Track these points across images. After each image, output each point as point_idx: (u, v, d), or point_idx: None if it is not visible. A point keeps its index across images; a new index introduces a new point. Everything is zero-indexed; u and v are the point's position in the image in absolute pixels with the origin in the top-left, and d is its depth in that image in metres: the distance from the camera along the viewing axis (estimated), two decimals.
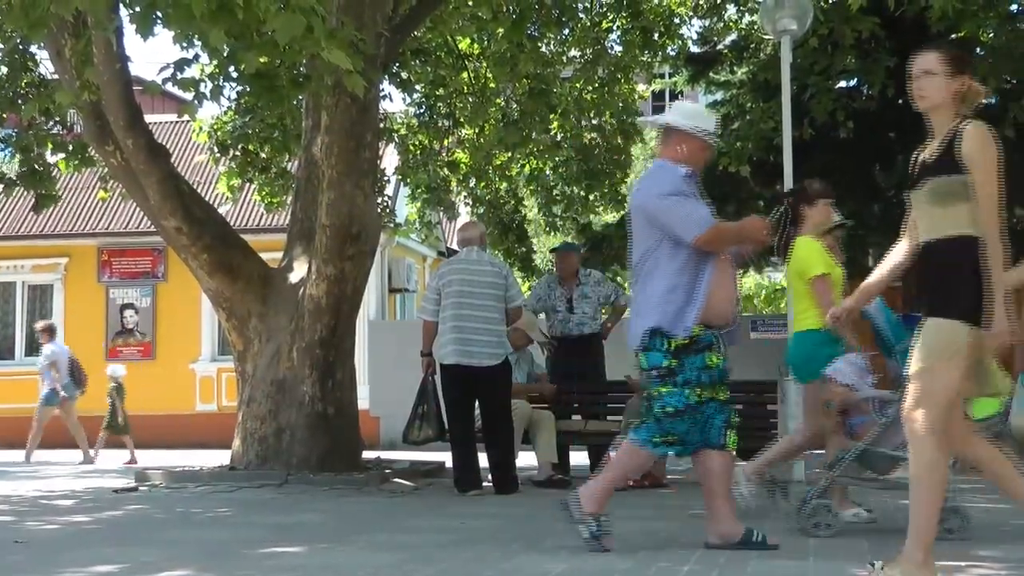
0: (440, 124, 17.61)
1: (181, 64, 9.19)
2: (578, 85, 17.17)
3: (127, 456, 16.71)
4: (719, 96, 17.47)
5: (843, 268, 7.82)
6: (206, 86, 10.05)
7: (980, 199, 4.88)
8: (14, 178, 14.45)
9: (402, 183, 19.19)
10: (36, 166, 14.32)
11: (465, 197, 19.22)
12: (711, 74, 17.21)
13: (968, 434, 5.23)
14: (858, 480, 7.13)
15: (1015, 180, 13.81)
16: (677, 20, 16.30)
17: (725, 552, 5.97)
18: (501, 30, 15.04)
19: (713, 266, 6.10)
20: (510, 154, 17.77)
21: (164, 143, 12.24)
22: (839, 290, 7.48)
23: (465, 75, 16.93)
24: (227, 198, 16.80)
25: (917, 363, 4.86)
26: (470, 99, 17.16)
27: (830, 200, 7.75)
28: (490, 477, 9.80)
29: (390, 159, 18.61)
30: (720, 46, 16.96)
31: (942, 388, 4.82)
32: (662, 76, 19.92)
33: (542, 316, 12.00)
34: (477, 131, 17.50)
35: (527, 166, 18.48)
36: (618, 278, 20.87)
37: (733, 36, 16.77)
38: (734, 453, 6.39)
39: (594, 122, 17.87)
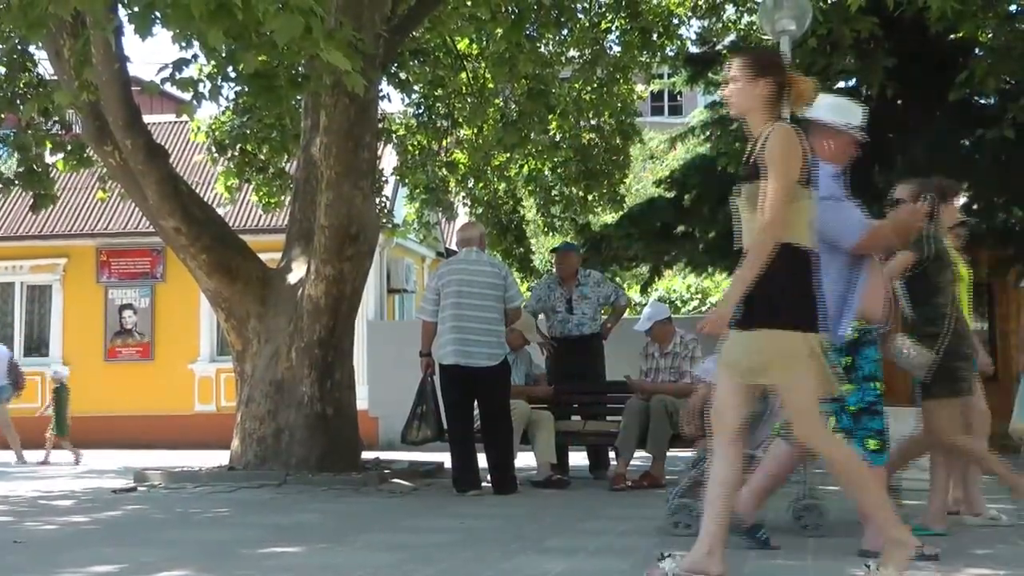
0: (439, 124, 17.61)
1: (180, 64, 9.20)
2: (577, 85, 17.18)
3: (71, 458, 16.64)
4: (718, 96, 17.44)
5: (968, 266, 7.65)
6: (204, 86, 10.06)
7: (766, 198, 4.87)
8: (12, 178, 14.44)
9: (400, 183, 19.19)
10: (35, 166, 14.31)
11: (464, 197, 19.22)
12: (710, 74, 17.20)
13: (739, 436, 5.08)
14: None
15: (1015, 181, 13.82)
16: (676, 20, 16.31)
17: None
18: (500, 30, 15.05)
19: (867, 268, 5.95)
20: (509, 154, 17.78)
21: (163, 143, 12.23)
22: (966, 288, 7.37)
23: (464, 75, 16.93)
24: (225, 199, 16.80)
25: (764, 375, 4.91)
26: (469, 99, 17.16)
27: (957, 196, 7.65)
28: (489, 477, 9.80)
29: (388, 159, 18.62)
30: (719, 46, 16.95)
31: (805, 397, 4.89)
32: (661, 76, 19.93)
33: (541, 317, 12.00)
34: (476, 131, 17.51)
35: (526, 166, 18.49)
36: (617, 278, 20.91)
37: (732, 36, 16.77)
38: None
39: (593, 122, 17.88)
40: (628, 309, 13.57)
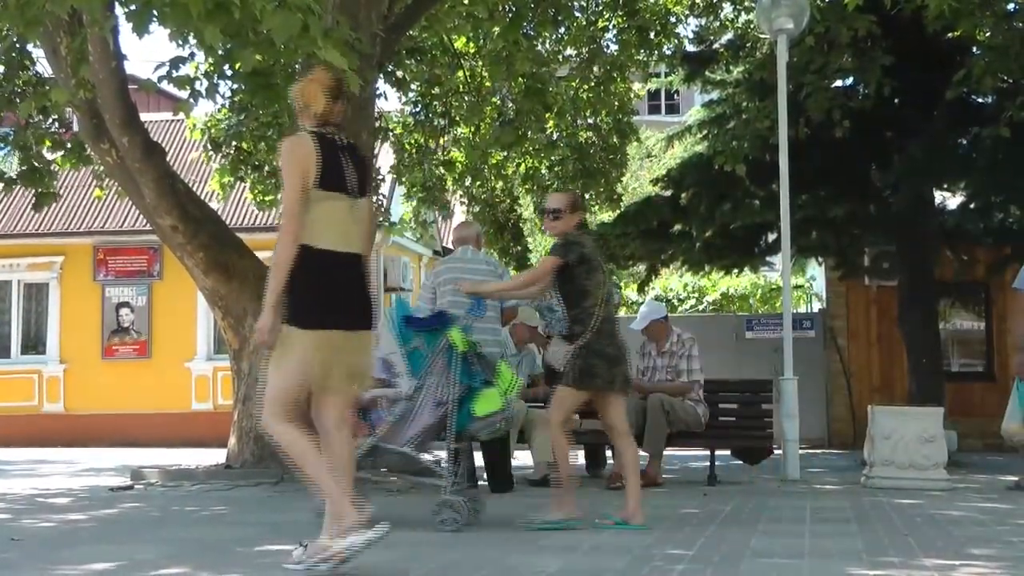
0: (436, 123, 17.61)
1: (176, 62, 9.20)
2: (574, 84, 17.18)
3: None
4: (715, 95, 17.45)
5: None
6: (201, 84, 10.05)
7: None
8: (14, 176, 14.42)
9: (397, 182, 19.18)
10: (35, 163, 14.30)
11: (461, 196, 19.22)
12: (707, 73, 17.19)
13: (334, 430, 5.46)
14: (374, 475, 7.53)
15: (1012, 180, 13.79)
16: (673, 19, 16.31)
17: (719, 551, 5.98)
18: (497, 29, 15.05)
19: None
20: (506, 153, 17.77)
21: (160, 141, 12.22)
22: None
23: (461, 74, 16.93)
24: (218, 196, 16.79)
25: (270, 364, 5.30)
26: (466, 98, 17.16)
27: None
28: (485, 476, 9.79)
29: (386, 158, 18.61)
30: (716, 45, 16.94)
31: (280, 386, 5.25)
32: (658, 75, 19.91)
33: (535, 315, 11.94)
34: (473, 130, 17.51)
35: (523, 165, 18.48)
36: (614, 277, 20.87)
37: (729, 35, 16.76)
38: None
39: (590, 121, 17.89)
40: (624, 307, 13.54)
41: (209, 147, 16.02)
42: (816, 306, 23.19)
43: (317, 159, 5.27)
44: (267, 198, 16.49)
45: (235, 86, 13.59)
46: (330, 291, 5.31)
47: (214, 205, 15.41)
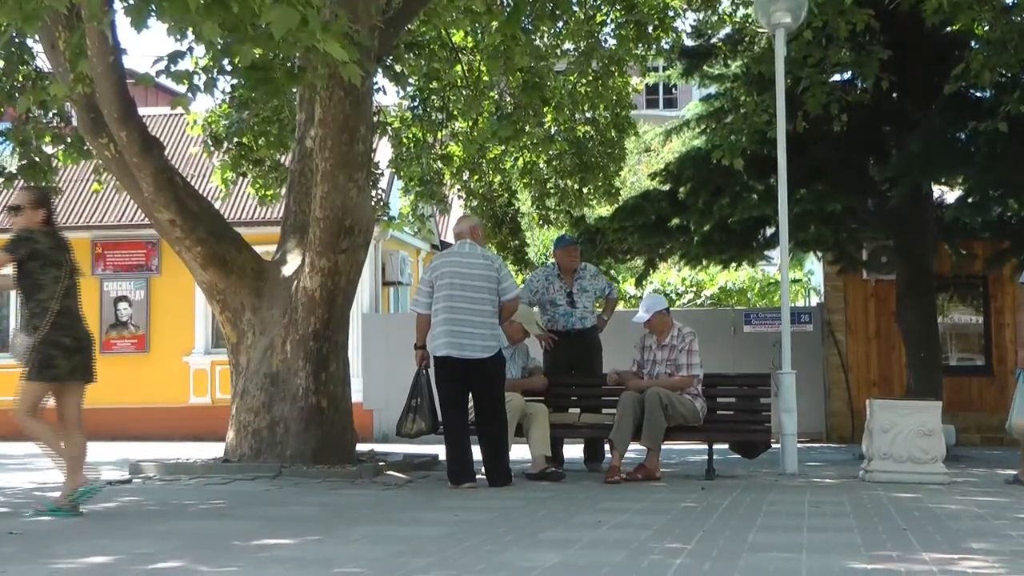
0: (434, 117, 17.61)
1: (175, 57, 9.18)
2: (572, 78, 17.16)
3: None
4: (713, 90, 17.44)
5: None
6: (200, 78, 10.03)
7: None
8: (14, 171, 14.41)
9: (395, 176, 19.19)
10: (35, 158, 14.29)
11: (459, 190, 19.22)
12: (705, 67, 17.19)
13: None
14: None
15: (1010, 174, 13.78)
16: (671, 13, 16.29)
17: (717, 545, 5.99)
18: (495, 23, 15.02)
19: None
20: (504, 147, 17.77)
21: (159, 136, 12.21)
22: None
23: (459, 68, 16.92)
24: (221, 193, 16.79)
25: None
26: (464, 92, 17.15)
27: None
28: (483, 470, 9.80)
29: (384, 152, 18.61)
30: (714, 39, 16.93)
31: None
32: (656, 69, 19.90)
33: (536, 310, 11.95)
34: (471, 124, 17.50)
35: (521, 159, 18.49)
36: (612, 271, 20.88)
37: (727, 29, 16.75)
38: None
39: (588, 115, 17.88)
40: (623, 302, 13.55)
41: (210, 143, 16.03)
42: (814, 300, 23.20)
43: None
44: (268, 192, 16.51)
45: (234, 81, 13.59)
46: None
47: (216, 202, 15.46)
